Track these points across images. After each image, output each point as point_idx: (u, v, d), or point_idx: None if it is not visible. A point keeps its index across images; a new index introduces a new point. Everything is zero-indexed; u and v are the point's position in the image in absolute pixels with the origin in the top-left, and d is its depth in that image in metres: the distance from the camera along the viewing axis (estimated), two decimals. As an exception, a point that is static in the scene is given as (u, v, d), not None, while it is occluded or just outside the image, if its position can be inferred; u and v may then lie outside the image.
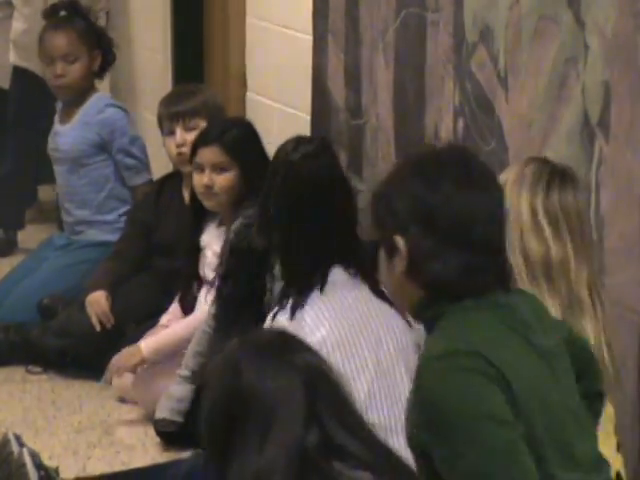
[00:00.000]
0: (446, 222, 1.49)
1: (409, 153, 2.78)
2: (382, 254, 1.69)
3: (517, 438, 1.37)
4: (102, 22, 4.42)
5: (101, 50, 3.57)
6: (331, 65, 3.35)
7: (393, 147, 3.04)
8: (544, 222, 2.06)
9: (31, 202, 4.39)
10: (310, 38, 3.34)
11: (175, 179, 3.29)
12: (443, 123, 2.81)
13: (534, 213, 2.05)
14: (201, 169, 2.85)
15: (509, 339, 1.51)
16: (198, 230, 2.99)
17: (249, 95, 3.79)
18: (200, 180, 2.83)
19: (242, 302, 2.62)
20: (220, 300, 2.65)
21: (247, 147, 2.92)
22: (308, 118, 3.36)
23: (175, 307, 3.14)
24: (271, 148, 2.77)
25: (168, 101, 3.31)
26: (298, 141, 2.51)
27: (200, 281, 2.96)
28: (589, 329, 2.00)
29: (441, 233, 1.49)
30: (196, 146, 2.92)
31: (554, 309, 1.96)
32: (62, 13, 3.64)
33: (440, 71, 2.83)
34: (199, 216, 2.99)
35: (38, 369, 3.34)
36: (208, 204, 2.85)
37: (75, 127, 3.56)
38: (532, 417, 1.44)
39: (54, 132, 3.54)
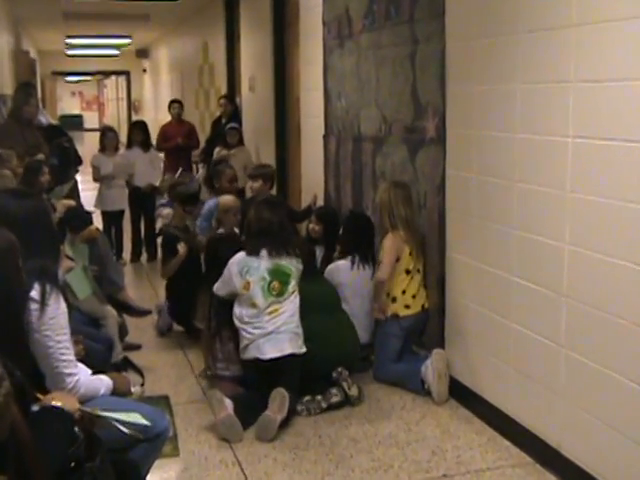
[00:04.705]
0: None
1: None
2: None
3: None
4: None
5: None
6: (329, 168, 5.52)
7: (350, 197, 5.13)
8: (401, 203, 3.98)
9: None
10: (322, 166, 5.61)
11: None
12: (368, 190, 4.84)
13: (397, 200, 3.97)
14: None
15: None
16: None
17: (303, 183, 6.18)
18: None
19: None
20: None
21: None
22: (323, 189, 5.63)
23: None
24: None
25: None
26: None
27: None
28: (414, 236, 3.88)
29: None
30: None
31: (406, 236, 3.89)
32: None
33: (369, 163, 4.80)
34: None
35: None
36: None
37: None
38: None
39: None
